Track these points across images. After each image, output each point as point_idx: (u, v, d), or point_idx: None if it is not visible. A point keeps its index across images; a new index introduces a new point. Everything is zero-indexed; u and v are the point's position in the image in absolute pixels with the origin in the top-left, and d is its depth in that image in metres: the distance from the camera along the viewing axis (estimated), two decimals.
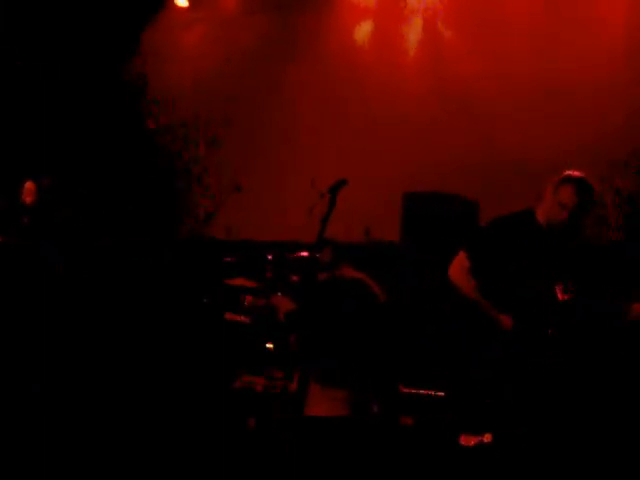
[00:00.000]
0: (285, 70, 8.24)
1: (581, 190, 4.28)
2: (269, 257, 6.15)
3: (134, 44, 8.87)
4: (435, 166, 7.09)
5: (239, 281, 6.28)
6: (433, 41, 7.77)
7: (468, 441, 4.38)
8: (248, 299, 6.05)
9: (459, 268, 4.42)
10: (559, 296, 4.40)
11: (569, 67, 6.98)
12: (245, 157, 8.22)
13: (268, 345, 5.64)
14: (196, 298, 6.29)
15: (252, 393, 5.23)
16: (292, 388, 4.75)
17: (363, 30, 8.09)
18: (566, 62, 7.00)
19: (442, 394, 4.60)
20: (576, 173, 4.34)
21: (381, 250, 6.79)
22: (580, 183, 4.29)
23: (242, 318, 5.98)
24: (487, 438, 4.37)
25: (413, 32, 7.87)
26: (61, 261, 6.52)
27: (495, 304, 4.36)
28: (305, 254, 5.63)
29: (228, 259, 6.87)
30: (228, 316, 6.03)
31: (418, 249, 6.17)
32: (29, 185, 7.03)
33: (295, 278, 5.73)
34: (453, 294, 4.43)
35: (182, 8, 8.86)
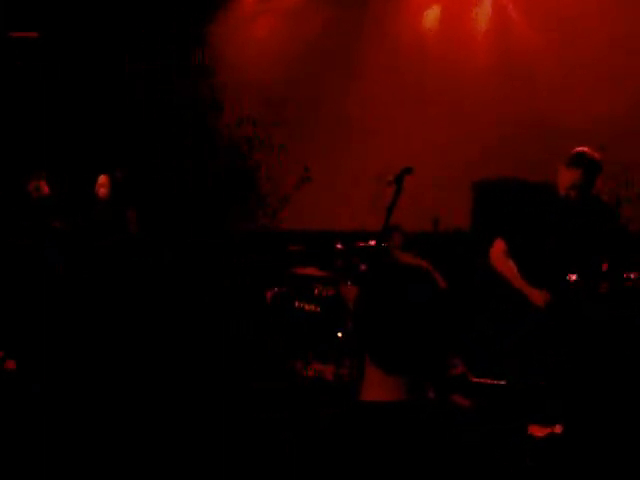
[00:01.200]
0: (352, 59, 8.22)
1: (577, 168, 4.37)
2: (338, 246, 6.18)
3: (202, 35, 8.99)
4: (505, 153, 6.97)
5: (309, 270, 6.33)
6: (503, 25, 7.62)
7: (538, 432, 4.34)
8: (318, 288, 6.09)
9: (498, 252, 4.61)
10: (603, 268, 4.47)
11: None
12: (312, 146, 8.24)
13: (338, 334, 5.68)
14: (266, 287, 6.35)
15: (322, 381, 5.28)
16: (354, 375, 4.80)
17: (431, 16, 8.00)
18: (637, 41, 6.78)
19: (504, 383, 4.58)
20: (576, 150, 4.44)
21: (450, 239, 6.75)
22: (576, 162, 4.39)
23: (312, 307, 6.02)
24: (558, 429, 4.33)
25: (482, 16, 7.74)
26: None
27: (534, 283, 4.42)
28: (373, 243, 5.64)
29: (297, 248, 6.93)
30: (298, 305, 6.07)
31: (488, 238, 6.10)
32: (103, 178, 7.20)
33: (364, 267, 5.75)
34: (495, 278, 4.52)
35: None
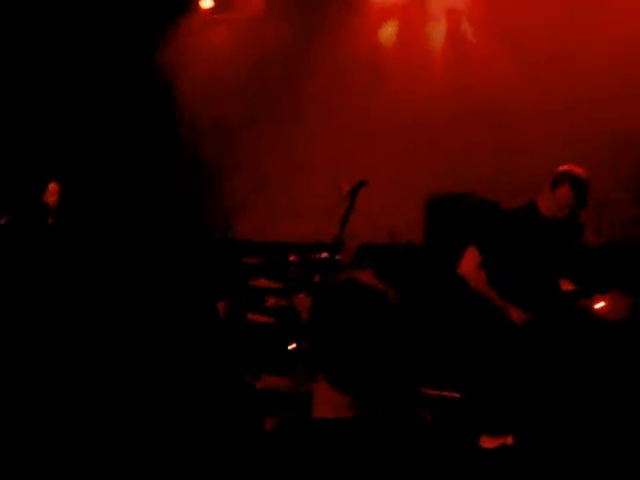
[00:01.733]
0: (308, 71, 8.23)
1: (576, 188, 4.40)
2: (292, 258, 6.16)
3: (160, 44, 8.92)
4: (459, 168, 7.04)
5: (262, 282, 6.30)
6: (457, 43, 7.71)
7: (489, 443, 4.37)
8: (271, 300, 6.07)
9: (470, 263, 4.59)
10: (563, 287, 4.51)
11: (601, 73, 6.82)
12: (267, 157, 8.23)
13: (291, 346, 5.66)
14: (219, 299, 6.30)
15: (274, 394, 5.25)
16: (306, 389, 4.77)
17: (387, 32, 8.06)
18: (598, 68, 6.85)
19: (458, 395, 4.60)
20: (571, 169, 4.46)
21: (405, 252, 6.78)
22: (575, 181, 4.40)
23: (265, 319, 6.00)
24: (509, 440, 4.37)
25: (437, 34, 7.82)
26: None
27: (505, 296, 4.43)
28: (326, 255, 5.65)
29: (251, 260, 6.89)
30: (251, 317, 6.04)
31: (442, 251, 6.15)
32: (52, 186, 7.10)
33: (317, 279, 5.75)
34: (464, 291, 4.50)
35: (207, 10, 8.91)
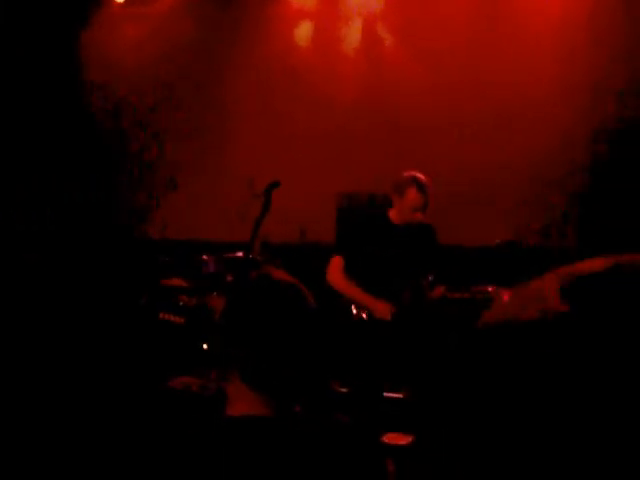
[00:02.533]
0: (222, 68, 8.18)
1: (423, 189, 4.65)
2: (205, 257, 6.13)
3: (73, 38, 8.71)
4: (369, 169, 7.13)
5: (175, 281, 6.24)
6: (372, 45, 7.78)
7: (400, 440, 4.46)
8: (184, 299, 6.02)
9: (336, 271, 4.76)
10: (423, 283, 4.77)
11: (510, 82, 6.98)
12: (182, 155, 8.16)
13: (203, 346, 5.63)
14: (131, 298, 6.21)
15: (187, 394, 5.21)
16: (218, 387, 4.78)
17: (303, 30, 8.07)
18: (508, 76, 7.01)
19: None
20: (414, 174, 4.71)
21: (316, 250, 6.83)
22: (420, 183, 4.66)
23: (177, 318, 5.94)
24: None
25: (352, 35, 7.88)
26: None
27: (371, 294, 4.67)
28: (240, 254, 5.65)
29: (164, 258, 6.82)
30: (163, 316, 5.98)
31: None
32: None
33: (230, 278, 5.74)
34: (333, 297, 4.69)
35: (120, 3, 8.75)
